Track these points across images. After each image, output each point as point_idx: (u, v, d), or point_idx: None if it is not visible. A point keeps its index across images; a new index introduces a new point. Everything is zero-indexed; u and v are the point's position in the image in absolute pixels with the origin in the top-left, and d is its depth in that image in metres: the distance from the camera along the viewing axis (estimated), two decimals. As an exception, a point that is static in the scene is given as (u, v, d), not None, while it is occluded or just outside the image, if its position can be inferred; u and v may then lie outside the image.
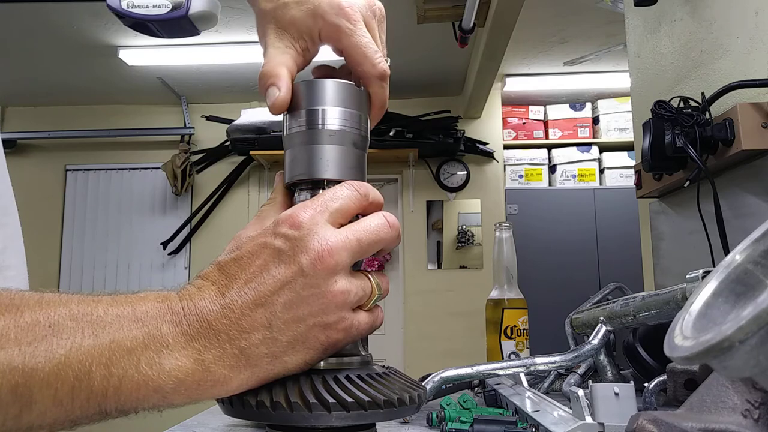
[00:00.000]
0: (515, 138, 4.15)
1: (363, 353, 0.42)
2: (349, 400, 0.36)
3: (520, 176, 4.09)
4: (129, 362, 0.33)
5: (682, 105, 1.17)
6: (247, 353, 0.35)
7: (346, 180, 0.41)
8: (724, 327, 0.24)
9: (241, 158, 4.04)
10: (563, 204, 3.92)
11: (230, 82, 3.86)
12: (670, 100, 1.17)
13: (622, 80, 3.74)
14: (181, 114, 4.16)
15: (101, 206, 4.15)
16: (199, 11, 0.63)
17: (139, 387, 0.33)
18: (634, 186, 1.49)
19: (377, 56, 0.44)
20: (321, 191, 0.41)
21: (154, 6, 0.62)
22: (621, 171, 4.02)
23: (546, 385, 0.91)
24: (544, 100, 4.23)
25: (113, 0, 0.61)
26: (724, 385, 0.35)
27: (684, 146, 1.09)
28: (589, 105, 4.19)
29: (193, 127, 4.11)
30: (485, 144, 4.00)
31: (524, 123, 4.18)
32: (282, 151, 0.44)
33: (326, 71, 0.47)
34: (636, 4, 1.32)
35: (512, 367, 0.78)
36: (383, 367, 0.42)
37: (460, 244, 3.94)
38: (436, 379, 0.76)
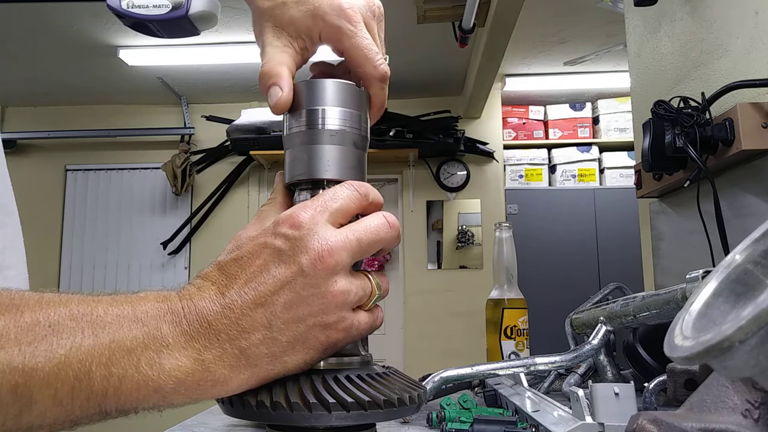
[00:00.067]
0: (515, 138, 4.15)
1: (363, 353, 0.42)
2: (349, 400, 0.36)
3: (520, 176, 4.09)
4: (129, 362, 0.33)
5: (682, 105, 1.17)
6: (247, 353, 0.35)
7: (346, 180, 0.41)
8: (724, 327, 0.24)
9: (241, 158, 4.04)
10: (563, 204, 3.92)
11: (230, 82, 3.86)
12: (670, 100, 1.17)
13: (622, 80, 3.74)
14: (181, 114, 4.16)
15: (101, 206, 4.15)
16: (199, 11, 0.63)
17: (139, 387, 0.33)
18: (634, 186, 1.49)
19: (378, 58, 0.44)
20: (321, 191, 0.41)
21: (154, 6, 0.62)
22: (621, 171, 4.02)
23: (546, 385, 0.91)
24: (544, 100, 4.23)
25: (113, 0, 0.61)
26: (724, 385, 0.35)
27: (684, 146, 1.09)
28: (589, 105, 4.19)
29: (193, 127, 4.11)
30: (485, 144, 4.00)
31: (524, 123, 4.18)
32: (282, 151, 0.44)
33: (325, 68, 0.47)
34: (636, 4, 1.32)
35: (512, 367, 0.77)
36: (383, 367, 0.42)
37: (460, 244, 3.94)
38: (436, 379, 0.75)
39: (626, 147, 4.03)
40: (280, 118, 0.44)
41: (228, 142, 3.90)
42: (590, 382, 0.84)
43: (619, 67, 3.73)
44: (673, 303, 0.66)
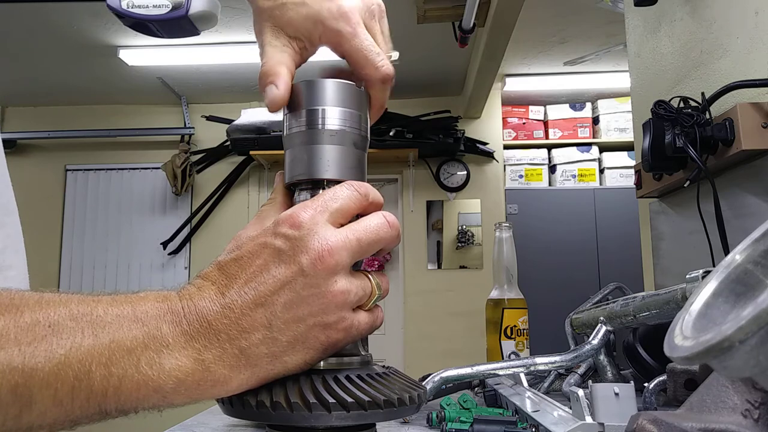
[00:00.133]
0: (515, 138, 4.15)
1: (363, 353, 0.42)
2: (349, 400, 0.36)
3: (520, 176, 4.09)
4: (129, 362, 0.33)
5: (682, 105, 1.17)
6: (247, 353, 0.35)
7: (346, 180, 0.41)
8: (724, 327, 0.24)
9: (241, 158, 4.04)
10: (563, 204, 3.92)
11: (230, 82, 3.86)
12: (670, 100, 1.17)
13: (622, 80, 3.74)
14: (181, 114, 4.16)
15: (101, 206, 4.15)
16: (199, 11, 0.63)
17: (139, 387, 0.33)
18: (634, 186, 1.49)
19: (379, 59, 0.44)
20: (321, 191, 0.41)
21: (154, 6, 0.62)
22: (621, 171, 4.02)
23: (546, 385, 0.91)
24: (544, 100, 4.23)
25: (113, 0, 0.62)
26: (724, 385, 0.35)
27: (684, 146, 1.09)
28: (589, 105, 4.19)
29: (193, 127, 4.11)
30: (485, 144, 4.00)
31: (524, 123, 4.18)
32: (282, 151, 0.44)
33: (333, 73, 0.47)
34: (636, 4, 1.32)
35: (512, 367, 0.77)
36: (383, 367, 0.42)
37: (460, 244, 3.94)
38: (436, 379, 0.75)
39: (626, 147, 4.02)
40: (280, 118, 0.44)
41: (228, 142, 3.90)
42: (590, 382, 0.84)
43: (619, 67, 3.73)
44: (673, 303, 0.66)
